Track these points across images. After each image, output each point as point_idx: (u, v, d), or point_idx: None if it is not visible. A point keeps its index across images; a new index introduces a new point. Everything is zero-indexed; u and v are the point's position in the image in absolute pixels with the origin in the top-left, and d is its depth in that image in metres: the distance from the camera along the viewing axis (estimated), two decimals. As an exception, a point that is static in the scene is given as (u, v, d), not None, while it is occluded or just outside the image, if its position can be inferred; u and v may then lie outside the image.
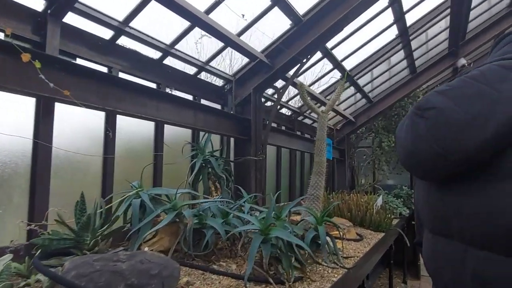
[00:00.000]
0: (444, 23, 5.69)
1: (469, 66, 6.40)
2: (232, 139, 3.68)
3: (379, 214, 4.34)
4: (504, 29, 6.19)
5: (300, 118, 5.72)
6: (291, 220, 3.22)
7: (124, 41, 2.61)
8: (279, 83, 3.92)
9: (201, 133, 3.30)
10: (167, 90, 2.89)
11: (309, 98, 3.22)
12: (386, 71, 6.34)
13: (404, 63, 6.36)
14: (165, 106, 2.70)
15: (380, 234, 4.13)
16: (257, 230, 1.96)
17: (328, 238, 2.47)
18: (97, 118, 2.45)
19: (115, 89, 2.29)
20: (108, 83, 2.26)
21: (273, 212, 2.23)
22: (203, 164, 3.08)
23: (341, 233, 2.85)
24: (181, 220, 2.06)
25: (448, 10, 4.82)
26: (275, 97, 4.36)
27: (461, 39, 5.90)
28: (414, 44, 5.61)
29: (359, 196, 4.71)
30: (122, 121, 2.56)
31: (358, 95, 6.47)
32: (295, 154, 5.50)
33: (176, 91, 3.04)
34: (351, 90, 6.56)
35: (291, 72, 3.70)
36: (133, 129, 2.72)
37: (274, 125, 4.64)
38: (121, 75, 2.59)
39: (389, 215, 4.52)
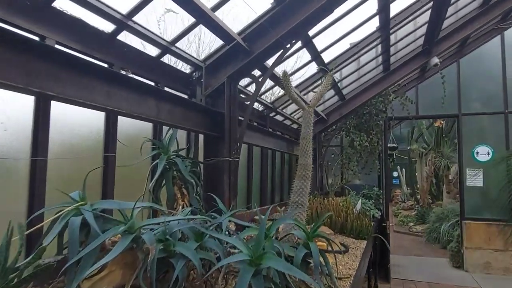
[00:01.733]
0: (421, 19, 5.50)
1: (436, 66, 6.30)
2: (201, 136, 3.12)
3: (359, 220, 4.00)
4: (476, 29, 6.14)
5: (272, 114, 5.27)
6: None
7: (64, 5, 1.98)
8: (256, 73, 3.42)
9: (165, 129, 2.72)
10: (122, 72, 2.28)
11: (293, 89, 2.76)
12: (360, 67, 6.07)
13: (379, 60, 6.12)
14: (120, 93, 2.10)
15: (362, 242, 3.78)
16: (246, 260, 1.46)
17: (321, 258, 2.04)
18: (24, 104, 1.80)
19: (49, 64, 1.67)
20: (38, 55, 1.63)
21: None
22: (167, 166, 2.51)
23: (331, 246, 2.41)
24: (140, 247, 1.50)
25: (431, 4, 4.58)
26: (250, 90, 3.86)
27: (436, 37, 5.75)
28: (391, 39, 5.36)
29: (337, 200, 4.35)
30: (59, 109, 1.93)
31: (331, 91, 6.14)
32: (266, 153, 5.03)
33: (134, 76, 2.44)
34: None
35: (270, 62, 3.21)
36: (75, 121, 2.08)
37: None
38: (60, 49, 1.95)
39: (368, 220, 4.20)
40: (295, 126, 6.26)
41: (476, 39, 7.69)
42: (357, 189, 7.74)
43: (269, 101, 4.99)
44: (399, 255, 8.67)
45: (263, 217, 1.82)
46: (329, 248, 2.34)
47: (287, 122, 6.04)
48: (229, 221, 2.17)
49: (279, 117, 5.69)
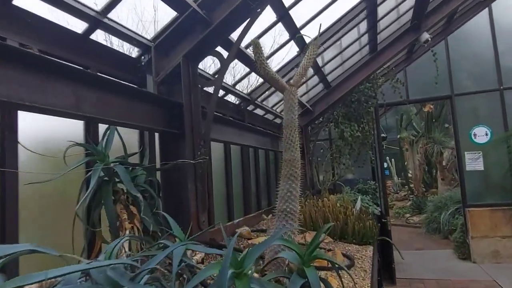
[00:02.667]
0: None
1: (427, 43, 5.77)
2: (156, 135, 2.44)
3: (361, 221, 3.38)
4: (464, 0, 5.64)
5: (250, 108, 4.61)
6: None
7: None
8: (222, 52, 2.75)
9: (100, 128, 2.04)
10: (22, 48, 1.58)
11: (268, 65, 2.12)
12: (343, 50, 5.47)
13: (364, 40, 5.54)
14: (16, 75, 1.41)
15: (367, 248, 3.16)
16: None
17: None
18: None
19: None
20: None
21: (230, 271, 1.09)
22: (106, 178, 1.84)
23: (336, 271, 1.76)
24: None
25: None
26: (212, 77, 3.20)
27: (425, 9, 5.20)
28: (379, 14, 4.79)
29: (333, 200, 3.72)
30: None
31: (315, 79, 5.54)
32: (247, 152, 4.37)
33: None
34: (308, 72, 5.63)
35: (234, 37, 2.55)
36: None
37: (218, 114, 3.47)
38: None
39: (372, 221, 3.58)
40: (278, 120, 5.63)
41: (463, 14, 7.22)
42: (351, 184, 7.16)
43: (246, 92, 4.34)
44: (400, 250, 8.12)
45: (231, 238, 1.16)
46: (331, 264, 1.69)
47: (270, 117, 5.39)
48: (190, 249, 1.51)
49: (259, 111, 5.04)
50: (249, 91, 4.45)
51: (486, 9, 7.14)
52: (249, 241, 2.85)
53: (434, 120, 10.90)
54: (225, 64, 2.37)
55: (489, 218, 6.65)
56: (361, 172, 8.22)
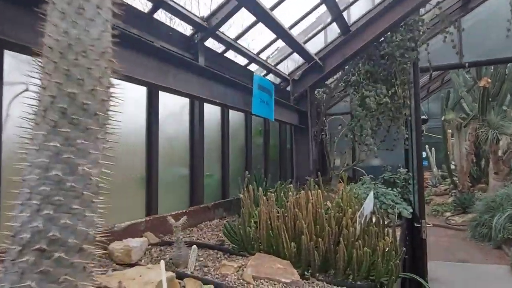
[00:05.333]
0: None
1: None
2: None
3: (370, 240, 1.73)
4: None
5: (207, 43, 2.99)
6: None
7: None
8: None
9: None
10: None
11: None
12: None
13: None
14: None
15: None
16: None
17: None
18: None
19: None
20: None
21: None
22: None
23: None
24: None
25: None
26: None
27: None
28: None
29: (319, 192, 2.05)
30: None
31: (327, 15, 3.80)
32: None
33: None
34: (316, 12, 3.94)
35: None
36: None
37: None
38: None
39: (393, 239, 1.93)
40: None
41: None
42: (375, 172, 5.40)
43: (198, 15, 2.73)
44: (437, 260, 6.32)
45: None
46: None
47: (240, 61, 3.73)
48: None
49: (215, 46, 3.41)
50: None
51: None
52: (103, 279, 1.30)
53: (490, 99, 8.69)
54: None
55: None
56: (390, 157, 6.40)
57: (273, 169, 4.43)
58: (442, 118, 9.83)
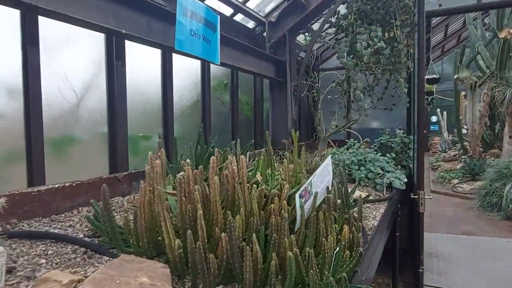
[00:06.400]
0: None
1: None
2: None
3: (310, 232, 1.08)
4: None
5: None
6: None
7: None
8: None
9: None
10: None
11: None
12: None
13: None
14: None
15: None
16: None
17: None
18: None
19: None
20: None
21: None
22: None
23: None
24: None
25: None
26: None
27: None
28: None
29: (262, 160, 1.40)
30: None
31: None
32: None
33: None
34: None
35: None
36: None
37: None
38: None
39: (356, 244, 1.27)
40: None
41: None
42: (372, 135, 4.74)
43: None
44: (439, 232, 5.73)
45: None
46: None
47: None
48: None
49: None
50: None
51: None
52: None
53: (511, 54, 7.70)
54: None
55: None
56: (390, 118, 5.71)
57: (246, 132, 3.76)
58: (455, 77, 8.88)
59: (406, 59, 3.76)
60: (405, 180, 3.01)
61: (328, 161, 1.37)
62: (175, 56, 2.65)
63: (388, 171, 2.98)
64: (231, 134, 3.40)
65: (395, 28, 3.38)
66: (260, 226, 1.13)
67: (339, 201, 1.67)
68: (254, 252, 0.99)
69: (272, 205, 1.15)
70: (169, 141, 2.50)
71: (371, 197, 2.45)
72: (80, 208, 1.65)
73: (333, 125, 4.18)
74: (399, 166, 3.64)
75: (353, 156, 2.99)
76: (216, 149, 1.59)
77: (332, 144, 4.40)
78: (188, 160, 1.20)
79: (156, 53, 2.52)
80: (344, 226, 1.28)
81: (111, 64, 2.06)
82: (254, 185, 1.35)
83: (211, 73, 3.12)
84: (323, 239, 1.14)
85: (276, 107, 3.67)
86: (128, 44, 2.27)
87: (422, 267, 3.60)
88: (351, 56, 3.46)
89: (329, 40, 4.57)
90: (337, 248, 1.11)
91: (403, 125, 5.23)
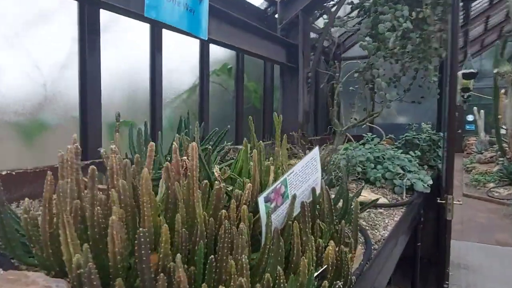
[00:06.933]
0: None
1: None
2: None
3: (275, 253, 0.75)
4: None
5: None
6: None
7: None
8: None
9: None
10: None
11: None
12: None
13: None
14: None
15: None
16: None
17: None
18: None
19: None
20: None
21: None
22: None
23: None
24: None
25: None
26: None
27: None
28: None
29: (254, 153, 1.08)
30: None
31: None
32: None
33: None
34: None
35: None
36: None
37: None
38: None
39: (345, 269, 0.92)
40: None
41: None
42: (397, 131, 4.32)
43: None
44: (469, 240, 5.19)
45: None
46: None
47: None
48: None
49: None
50: None
51: None
52: None
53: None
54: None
55: None
56: (420, 113, 5.22)
57: (255, 122, 3.43)
58: (495, 71, 8.12)
59: (438, 45, 3.30)
60: (430, 182, 2.59)
61: (314, 154, 1.03)
62: (170, 34, 2.36)
63: (410, 171, 2.58)
64: (234, 124, 3.09)
65: (424, 7, 2.93)
66: (205, 239, 0.81)
67: (340, 205, 1.33)
68: (176, 281, 0.67)
69: (223, 211, 0.83)
70: (155, 129, 2.23)
71: (385, 201, 2.08)
72: (21, 202, 1.40)
73: (351, 118, 3.77)
74: (426, 166, 3.21)
75: (369, 152, 2.61)
76: (179, 135, 1.29)
77: (352, 139, 4.00)
78: (113, 146, 0.90)
79: (146, 27, 2.24)
80: (330, 241, 0.95)
81: (83, 39, 1.80)
82: (219, 183, 1.03)
83: (214, 56, 2.82)
84: (295, 260, 0.82)
85: (287, 95, 3.32)
86: (117, 17, 2.01)
87: (447, 282, 3.16)
88: (372, 39, 3.05)
89: (352, 26, 4.15)
90: (311, 275, 0.78)
91: (433, 120, 4.75)
